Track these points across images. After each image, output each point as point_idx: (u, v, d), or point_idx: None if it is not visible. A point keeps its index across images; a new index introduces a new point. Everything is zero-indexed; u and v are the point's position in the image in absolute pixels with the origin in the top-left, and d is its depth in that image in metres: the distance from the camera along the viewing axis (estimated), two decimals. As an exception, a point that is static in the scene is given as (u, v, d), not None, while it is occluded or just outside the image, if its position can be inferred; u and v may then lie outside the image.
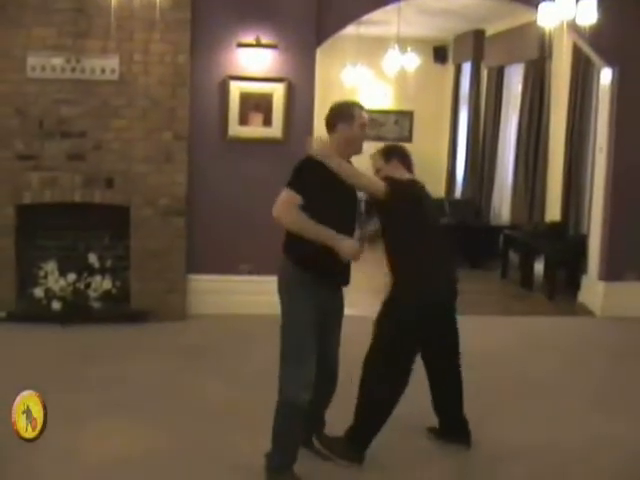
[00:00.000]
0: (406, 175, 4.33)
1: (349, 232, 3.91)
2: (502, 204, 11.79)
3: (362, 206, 6.80)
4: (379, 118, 15.14)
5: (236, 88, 7.14)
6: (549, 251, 9.01)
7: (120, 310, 7.00)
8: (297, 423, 3.88)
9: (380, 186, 4.03)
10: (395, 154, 4.43)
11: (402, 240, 4.15)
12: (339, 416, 4.27)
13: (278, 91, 7.18)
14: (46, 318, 6.78)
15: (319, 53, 7.44)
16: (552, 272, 8.92)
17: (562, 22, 5.95)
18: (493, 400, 5.33)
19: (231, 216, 7.31)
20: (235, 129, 7.19)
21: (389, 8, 7.87)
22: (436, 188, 14.27)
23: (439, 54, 14.64)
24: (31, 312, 6.87)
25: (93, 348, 6.24)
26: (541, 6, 5.96)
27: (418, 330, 4.15)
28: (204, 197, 7.23)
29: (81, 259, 7.08)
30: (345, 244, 3.78)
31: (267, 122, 7.20)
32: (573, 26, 6.33)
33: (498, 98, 11.94)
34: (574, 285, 8.67)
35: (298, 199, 3.82)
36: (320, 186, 3.82)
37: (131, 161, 6.93)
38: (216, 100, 7.21)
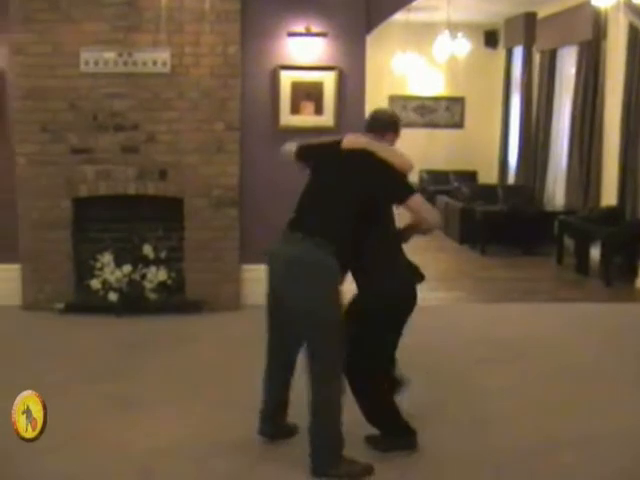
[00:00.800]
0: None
1: None
2: (556, 189, 11.64)
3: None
4: (430, 105, 15.07)
5: (287, 77, 7.14)
6: (605, 236, 8.87)
7: (175, 301, 7.06)
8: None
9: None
10: None
11: None
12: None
13: (329, 79, 7.16)
14: (103, 309, 6.87)
15: (369, 41, 7.40)
16: (608, 258, 8.78)
17: (617, 1, 5.84)
18: (548, 389, 5.27)
19: (283, 206, 7.27)
20: (286, 118, 7.19)
21: (439, -7, 7.80)
22: (489, 174, 14.18)
23: (490, 39, 14.50)
24: (88, 303, 6.96)
25: (149, 338, 6.31)
26: (595, -14, 5.86)
27: None
28: (256, 187, 7.25)
29: (136, 250, 7.15)
30: None
31: (318, 111, 7.19)
32: (628, 5, 6.20)
33: (551, 82, 11.77)
34: (631, 271, 8.53)
35: None
36: None
37: (183, 153, 6.96)
38: (267, 90, 7.21)
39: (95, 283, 6.96)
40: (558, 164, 11.62)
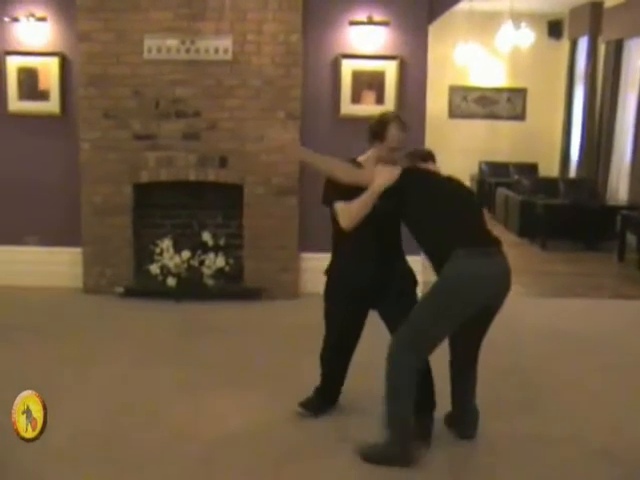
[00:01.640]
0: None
1: None
2: (619, 184, 11.43)
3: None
4: (491, 96, 14.90)
5: (348, 66, 7.12)
6: (670, 232, 8.69)
7: (233, 287, 7.10)
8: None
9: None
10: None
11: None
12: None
13: (390, 69, 7.11)
14: (161, 294, 6.95)
15: (431, 30, 7.33)
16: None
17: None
18: (602, 386, 5.18)
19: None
20: (347, 107, 7.17)
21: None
22: (550, 167, 13.99)
23: (554, 29, 14.25)
24: (147, 288, 7.05)
25: (207, 324, 6.36)
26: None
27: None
28: (316, 176, 7.22)
29: (195, 237, 7.21)
30: None
31: (379, 100, 7.15)
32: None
33: (616, 74, 11.54)
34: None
35: None
36: None
37: (244, 140, 6.99)
38: (328, 79, 7.20)
39: (154, 268, 7.04)
40: (622, 158, 11.40)
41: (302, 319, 6.56)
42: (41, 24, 7.07)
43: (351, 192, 4.05)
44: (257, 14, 6.88)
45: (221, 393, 4.85)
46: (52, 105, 7.16)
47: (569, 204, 10.71)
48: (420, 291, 4.41)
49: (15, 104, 7.20)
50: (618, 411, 4.74)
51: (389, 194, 3.99)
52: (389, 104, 7.13)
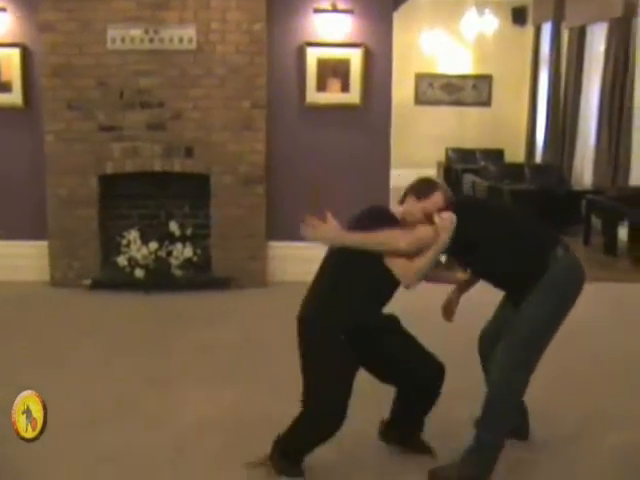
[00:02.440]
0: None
1: None
2: (584, 168, 11.54)
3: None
4: (458, 83, 14.97)
5: (313, 54, 7.11)
6: (634, 216, 8.78)
7: (202, 277, 7.09)
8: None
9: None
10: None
11: None
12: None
13: (355, 57, 7.12)
14: (129, 286, 6.92)
15: (396, 18, 7.36)
16: (637, 238, 8.70)
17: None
18: (579, 370, 5.24)
19: (310, 182, 7.32)
20: (313, 96, 7.17)
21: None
22: (516, 153, 14.09)
23: (518, 15, 14.35)
24: (115, 280, 7.01)
25: (176, 315, 6.35)
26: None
27: None
28: (283, 164, 7.25)
29: (162, 227, 7.19)
30: None
31: (345, 88, 7.16)
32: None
33: (580, 59, 11.64)
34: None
35: None
36: None
37: (210, 130, 6.97)
38: (294, 67, 7.19)
39: (122, 260, 7.01)
40: (586, 143, 11.51)
41: (271, 307, 6.59)
42: (0, 15, 6.98)
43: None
44: (220, 2, 6.85)
45: (193, 383, 4.85)
46: (15, 97, 7.08)
47: (535, 189, 10.79)
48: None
49: (-23, 96, 7.11)
50: (598, 388, 4.81)
51: (452, 241, 3.60)
52: (354, 92, 7.14)
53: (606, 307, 6.77)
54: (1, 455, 3.71)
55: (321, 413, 3.57)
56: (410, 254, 3.55)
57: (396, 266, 3.56)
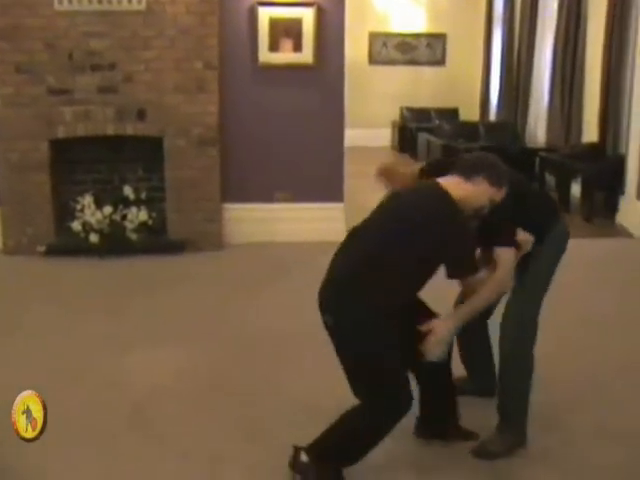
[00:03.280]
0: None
1: None
2: (538, 126, 11.62)
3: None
4: (412, 42, 14.95)
5: (265, 14, 7.04)
6: (586, 172, 8.89)
7: (158, 241, 7.05)
8: None
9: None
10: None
11: None
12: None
13: (307, 16, 7.07)
14: (85, 251, 6.86)
15: (348, -25, 7.31)
16: (589, 194, 8.81)
17: None
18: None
19: (265, 143, 7.30)
20: (265, 56, 7.12)
21: None
22: (470, 111, 14.14)
23: (472, -27, 14.32)
24: (70, 245, 6.94)
25: (132, 279, 6.33)
26: None
27: None
28: (237, 125, 7.21)
29: (116, 192, 7.12)
30: None
31: (297, 48, 7.11)
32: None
33: (533, 17, 11.67)
34: (612, 206, 8.57)
35: None
36: None
37: (162, 92, 6.89)
38: (245, 27, 7.12)
39: (76, 225, 6.94)
40: (540, 101, 11.58)
41: (228, 269, 6.61)
42: (-55, -24, 6.81)
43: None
44: (170, -39, 6.75)
45: (150, 346, 4.85)
46: (-39, 61, 6.94)
47: (489, 147, 10.85)
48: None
49: None
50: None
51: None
52: (307, 52, 7.11)
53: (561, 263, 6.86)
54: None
55: (388, 400, 3.21)
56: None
57: (488, 290, 3.38)
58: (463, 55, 14.67)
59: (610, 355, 4.81)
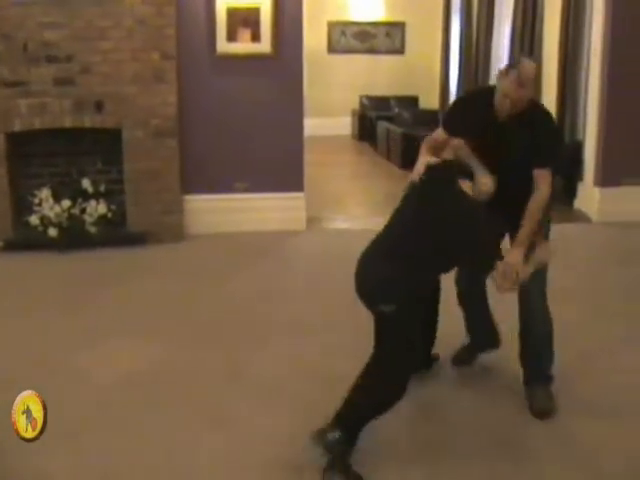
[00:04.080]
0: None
1: None
2: (497, 113, 11.69)
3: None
4: (371, 30, 14.95)
5: (223, 4, 6.99)
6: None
7: (117, 234, 6.99)
8: None
9: None
10: None
11: None
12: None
13: (265, 5, 7.03)
14: (44, 245, 6.78)
15: (306, -36, 7.29)
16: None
17: None
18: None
19: (224, 134, 7.27)
20: (224, 46, 7.07)
21: None
22: (430, 99, 14.19)
23: (429, -39, 14.34)
24: (28, 240, 6.86)
25: (93, 272, 6.27)
26: None
27: None
28: (196, 116, 7.17)
29: (75, 185, 7.05)
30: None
31: (255, 38, 7.07)
32: None
33: (490, 4, 11.74)
34: (570, 192, 8.65)
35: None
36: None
37: (120, 83, 6.82)
38: (203, 17, 7.07)
39: (34, 219, 6.87)
40: (498, 88, 11.65)
41: (189, 260, 6.59)
42: None
43: None
44: (125, -50, 6.68)
45: (114, 339, 4.82)
46: None
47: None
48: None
49: None
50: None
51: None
52: (265, 41, 7.08)
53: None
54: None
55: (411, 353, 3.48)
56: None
57: (537, 206, 3.62)
58: (422, 43, 14.71)
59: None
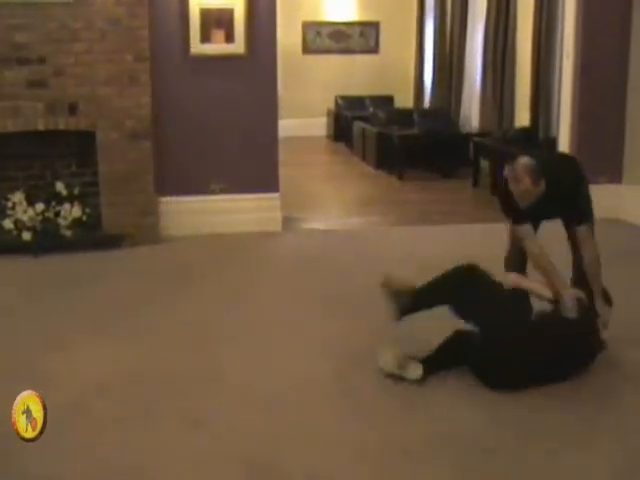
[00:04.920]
0: None
1: None
2: (472, 112, 11.76)
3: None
4: (345, 30, 14.98)
5: (196, 4, 6.97)
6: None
7: (92, 237, 6.95)
8: None
9: None
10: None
11: None
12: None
13: (238, 6, 7.02)
14: (18, 249, 6.71)
15: (279, -36, 7.28)
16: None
17: None
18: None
19: (199, 135, 7.26)
20: (197, 47, 7.06)
21: None
22: (405, 98, 14.25)
23: (402, -39, 14.39)
24: (2, 244, 6.79)
25: (68, 276, 6.22)
26: None
27: None
28: (170, 117, 7.15)
29: (49, 188, 7.00)
30: None
31: (229, 38, 7.06)
32: None
33: (464, 4, 11.80)
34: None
35: None
36: None
37: (94, 85, 6.78)
38: (176, 18, 7.05)
39: (7, 223, 6.81)
40: (472, 87, 11.72)
41: (166, 262, 6.56)
42: None
43: None
44: (97, -49, 6.64)
45: (90, 343, 4.77)
46: None
47: (423, 133, 10.96)
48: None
49: None
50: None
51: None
52: (239, 42, 7.07)
53: (491, 245, 6.96)
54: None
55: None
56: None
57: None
58: (396, 43, 14.76)
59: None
